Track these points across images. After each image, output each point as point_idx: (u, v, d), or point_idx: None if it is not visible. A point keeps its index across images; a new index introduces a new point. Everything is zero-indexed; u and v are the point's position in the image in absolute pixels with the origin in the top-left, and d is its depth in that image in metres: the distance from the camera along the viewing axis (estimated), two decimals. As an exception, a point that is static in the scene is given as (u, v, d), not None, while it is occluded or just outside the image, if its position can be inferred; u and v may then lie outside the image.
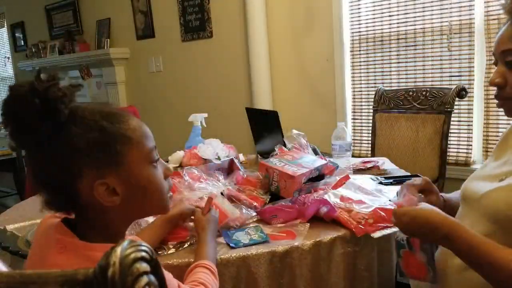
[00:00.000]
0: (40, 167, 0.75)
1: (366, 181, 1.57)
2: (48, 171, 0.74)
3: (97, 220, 0.78)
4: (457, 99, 2.21)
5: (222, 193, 1.37)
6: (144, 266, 0.48)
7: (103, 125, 0.74)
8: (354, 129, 3.02)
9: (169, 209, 0.88)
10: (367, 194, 1.36)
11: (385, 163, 1.83)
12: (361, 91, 2.95)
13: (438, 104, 2.24)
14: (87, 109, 0.76)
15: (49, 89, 0.71)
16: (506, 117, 2.50)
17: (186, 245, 1.16)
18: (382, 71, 2.83)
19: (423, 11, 2.61)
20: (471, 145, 2.52)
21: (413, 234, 0.98)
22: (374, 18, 2.83)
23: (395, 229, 1.13)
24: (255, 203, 1.35)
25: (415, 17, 2.64)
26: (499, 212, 0.94)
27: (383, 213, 1.19)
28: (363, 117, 2.97)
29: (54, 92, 0.71)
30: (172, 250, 1.14)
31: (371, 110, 2.59)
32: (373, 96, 2.57)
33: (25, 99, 0.69)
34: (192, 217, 1.20)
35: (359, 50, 2.92)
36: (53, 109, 0.71)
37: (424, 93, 2.32)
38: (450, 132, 2.26)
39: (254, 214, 1.31)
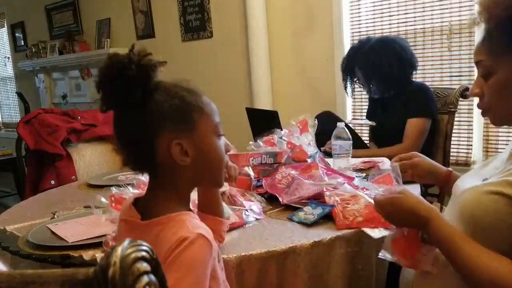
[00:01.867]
0: (127, 128, 0.86)
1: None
2: (133, 131, 0.86)
3: (167, 179, 0.88)
4: (460, 99, 2.21)
5: (224, 193, 1.37)
6: (145, 266, 0.48)
7: (183, 95, 0.87)
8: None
9: (222, 185, 1.00)
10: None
11: (385, 163, 1.83)
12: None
13: (441, 104, 2.23)
14: (167, 82, 0.88)
15: (143, 58, 0.82)
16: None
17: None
18: (382, 71, 2.83)
19: (423, 11, 2.61)
20: (471, 145, 2.52)
21: (396, 222, 0.99)
22: (374, 18, 2.83)
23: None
24: (253, 207, 1.36)
25: (415, 17, 2.64)
26: (466, 211, 0.94)
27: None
28: (363, 117, 2.96)
29: (147, 61, 0.83)
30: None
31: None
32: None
33: (123, 66, 0.80)
34: None
35: (359, 50, 2.92)
36: (145, 76, 0.82)
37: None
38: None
39: (254, 219, 1.31)
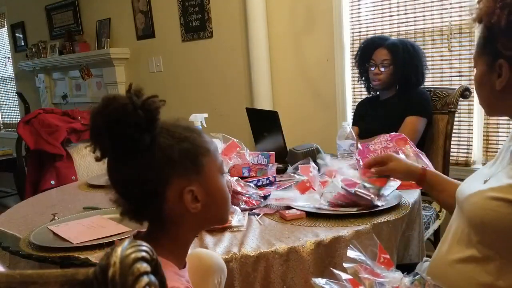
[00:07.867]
0: (129, 177, 0.77)
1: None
2: (138, 181, 0.77)
3: (173, 228, 0.81)
4: (460, 99, 2.21)
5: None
6: (145, 266, 0.48)
7: (188, 136, 0.80)
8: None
9: (227, 221, 0.95)
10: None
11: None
12: (361, 91, 2.95)
13: (442, 105, 2.23)
14: (166, 122, 0.80)
15: (146, 101, 0.74)
16: (506, 118, 2.48)
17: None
18: (382, 71, 2.82)
19: (423, 11, 2.61)
20: (471, 145, 2.52)
21: None
22: (374, 18, 2.82)
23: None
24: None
25: (415, 17, 2.64)
26: (475, 218, 0.94)
27: None
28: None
29: (151, 104, 0.75)
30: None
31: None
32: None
33: (127, 111, 0.72)
34: None
35: (359, 50, 2.92)
36: (153, 120, 0.75)
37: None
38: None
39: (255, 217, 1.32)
